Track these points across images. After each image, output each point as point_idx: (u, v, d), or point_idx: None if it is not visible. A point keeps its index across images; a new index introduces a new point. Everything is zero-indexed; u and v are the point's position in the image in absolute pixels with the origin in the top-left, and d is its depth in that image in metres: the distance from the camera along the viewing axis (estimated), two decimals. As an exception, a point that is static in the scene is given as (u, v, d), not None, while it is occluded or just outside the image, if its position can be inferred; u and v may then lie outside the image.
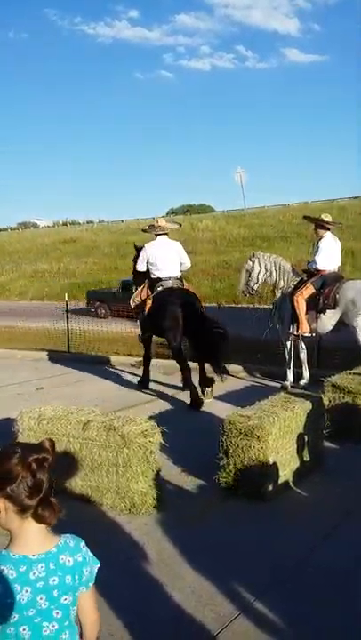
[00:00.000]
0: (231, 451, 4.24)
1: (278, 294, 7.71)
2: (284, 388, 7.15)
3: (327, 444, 5.06)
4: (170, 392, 7.69)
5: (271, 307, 7.95)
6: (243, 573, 3.27)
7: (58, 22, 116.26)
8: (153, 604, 3.03)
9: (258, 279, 7.80)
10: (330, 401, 5.49)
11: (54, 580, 1.56)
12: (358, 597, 3.04)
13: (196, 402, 6.78)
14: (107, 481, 4.15)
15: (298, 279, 7.65)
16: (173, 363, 8.98)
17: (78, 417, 4.37)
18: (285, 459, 4.38)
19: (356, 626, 2.83)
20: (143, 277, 7.50)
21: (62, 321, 11.55)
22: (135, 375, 8.96)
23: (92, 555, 1.67)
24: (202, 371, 7.15)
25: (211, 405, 6.81)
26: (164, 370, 9.27)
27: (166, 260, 7.19)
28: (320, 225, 7.56)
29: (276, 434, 4.24)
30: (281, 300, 7.66)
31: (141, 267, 7.30)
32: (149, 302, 7.12)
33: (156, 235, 7.32)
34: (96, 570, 1.67)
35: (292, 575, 3.27)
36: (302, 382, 7.58)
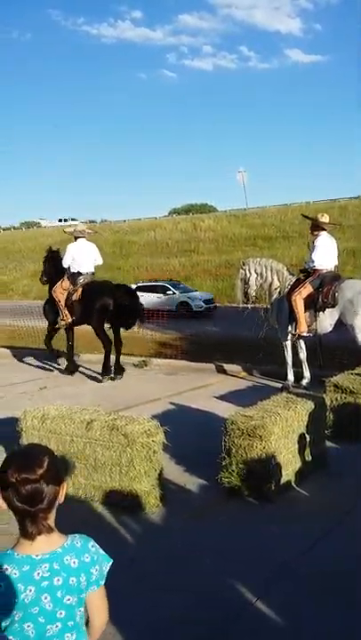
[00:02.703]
0: (234, 451, 4.25)
1: (275, 295, 7.73)
2: (285, 388, 7.16)
3: (329, 444, 5.07)
4: (171, 392, 7.71)
5: (268, 307, 7.96)
6: (245, 573, 3.28)
7: (61, 23, 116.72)
8: (155, 604, 3.05)
9: (255, 286, 7.85)
10: (332, 401, 5.51)
11: (58, 581, 1.57)
12: None
13: (106, 370, 8.43)
14: (110, 480, 4.17)
15: (294, 279, 7.66)
16: (175, 362, 9.03)
17: (82, 416, 4.39)
18: (288, 459, 4.40)
19: (359, 627, 2.84)
20: (50, 276, 9.15)
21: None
22: (139, 375, 9.00)
23: (102, 553, 1.68)
24: (118, 357, 8.66)
25: (213, 405, 6.83)
26: (166, 370, 9.30)
27: (85, 258, 8.66)
28: (316, 225, 7.58)
29: (279, 434, 4.26)
30: (278, 301, 7.68)
31: (67, 263, 8.67)
32: (79, 291, 8.47)
33: (76, 237, 8.76)
34: (107, 568, 1.67)
35: (295, 575, 3.28)
36: (304, 382, 7.59)
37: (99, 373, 8.67)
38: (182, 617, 2.93)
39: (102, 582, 1.65)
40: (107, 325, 8.56)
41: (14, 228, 58.37)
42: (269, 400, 4.78)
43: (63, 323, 8.80)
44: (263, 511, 4.07)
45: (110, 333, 8.65)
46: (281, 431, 4.29)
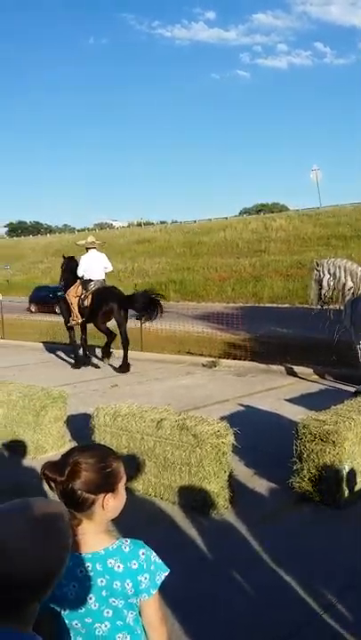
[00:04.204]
0: (305, 455, 4.16)
1: (348, 296, 7.49)
2: (359, 393, 6.93)
3: None
4: (241, 393, 7.66)
5: (342, 308, 7.73)
6: (317, 577, 3.20)
7: (136, 27, 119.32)
8: (223, 606, 3.03)
9: (328, 287, 7.64)
10: None
11: (102, 582, 1.55)
12: None
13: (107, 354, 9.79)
14: (179, 480, 4.19)
15: None
16: (244, 363, 8.93)
17: (152, 415, 4.44)
18: (362, 466, 4.25)
19: None
20: (70, 277, 10.21)
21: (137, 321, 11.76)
22: (208, 376, 9.01)
23: (158, 561, 1.61)
24: (108, 343, 9.75)
25: (283, 408, 6.72)
26: (236, 370, 9.25)
27: (95, 266, 9.92)
28: None
29: (353, 440, 4.12)
30: (352, 302, 7.44)
31: (81, 272, 9.88)
32: (90, 297, 9.68)
33: (88, 248, 10.03)
34: (162, 577, 1.60)
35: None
36: (380, 387, 7.32)
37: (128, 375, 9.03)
38: (249, 618, 2.90)
39: (154, 591, 1.58)
40: (113, 323, 9.71)
41: (88, 229, 60.15)
42: (343, 404, 4.64)
43: (74, 322, 10.03)
44: (335, 518, 3.96)
45: (114, 333, 9.76)
46: (355, 437, 4.15)
